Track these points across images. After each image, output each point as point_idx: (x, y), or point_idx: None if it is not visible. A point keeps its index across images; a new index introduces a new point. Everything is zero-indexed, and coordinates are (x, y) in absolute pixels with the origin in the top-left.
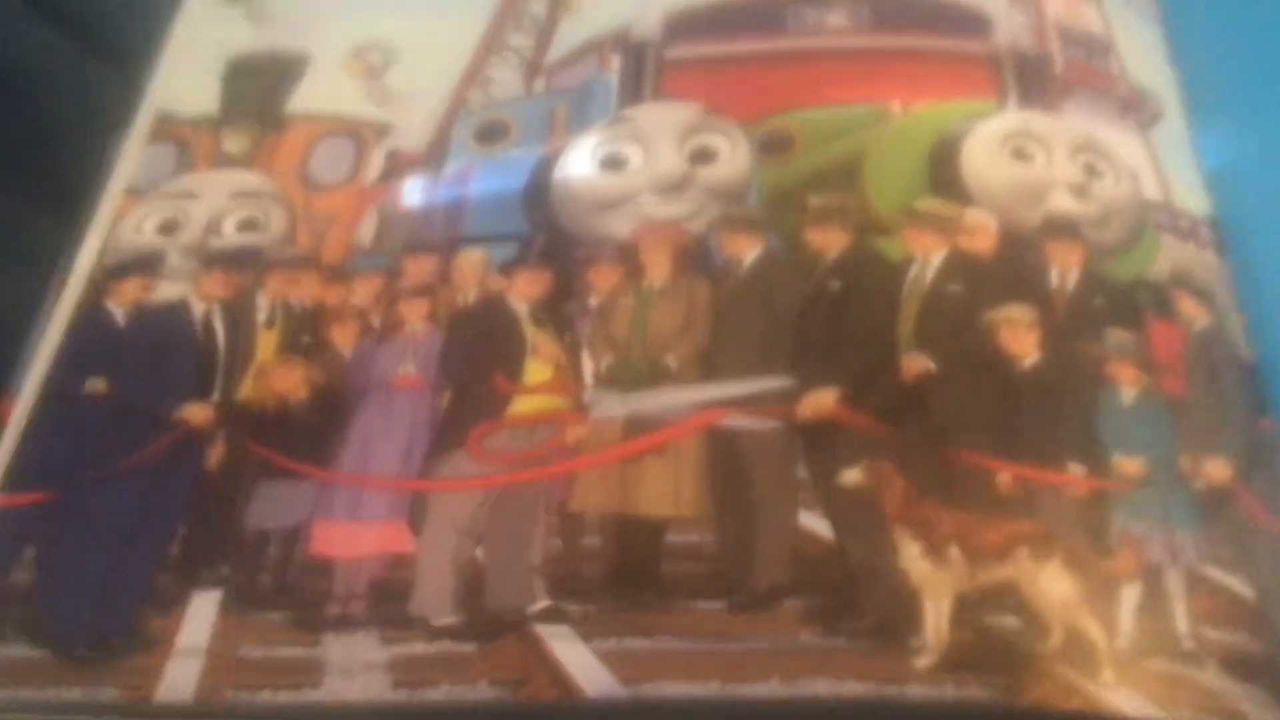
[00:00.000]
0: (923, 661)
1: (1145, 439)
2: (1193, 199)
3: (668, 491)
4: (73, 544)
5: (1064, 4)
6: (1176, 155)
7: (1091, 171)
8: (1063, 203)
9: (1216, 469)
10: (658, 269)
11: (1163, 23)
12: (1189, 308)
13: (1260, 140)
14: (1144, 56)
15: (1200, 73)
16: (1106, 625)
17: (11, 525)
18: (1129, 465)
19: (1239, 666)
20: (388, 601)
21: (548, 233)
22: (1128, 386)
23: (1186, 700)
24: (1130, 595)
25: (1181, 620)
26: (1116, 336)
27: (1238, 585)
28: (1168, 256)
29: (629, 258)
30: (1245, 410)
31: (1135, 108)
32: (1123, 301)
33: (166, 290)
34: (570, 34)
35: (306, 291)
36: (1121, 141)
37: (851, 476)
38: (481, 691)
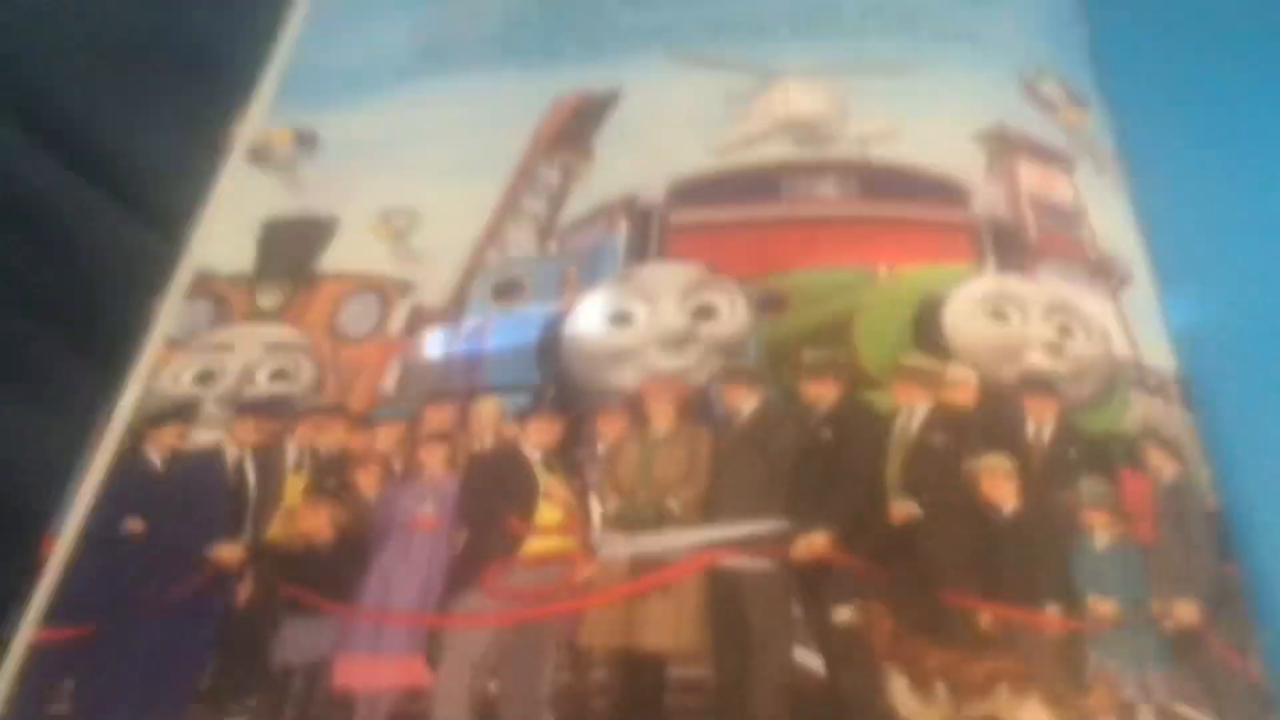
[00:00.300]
0: None
1: (1118, 582)
2: (1160, 357)
3: (669, 627)
4: (109, 676)
5: (1037, 177)
6: (1144, 316)
7: (1064, 331)
8: (1038, 360)
9: (1185, 611)
10: (662, 418)
11: (1131, 194)
12: (1158, 459)
13: (1225, 303)
14: (1113, 225)
15: (1167, 239)
16: None
17: (52, 658)
18: (1103, 607)
19: None
20: None
21: (559, 383)
22: (1101, 532)
23: None
24: None
25: None
26: (1090, 486)
27: None
28: (1137, 411)
29: (635, 408)
30: (1212, 556)
31: (1105, 272)
32: (1096, 453)
33: (202, 437)
34: (581, 200)
35: (333, 438)
36: (1092, 303)
37: (843, 615)
38: None
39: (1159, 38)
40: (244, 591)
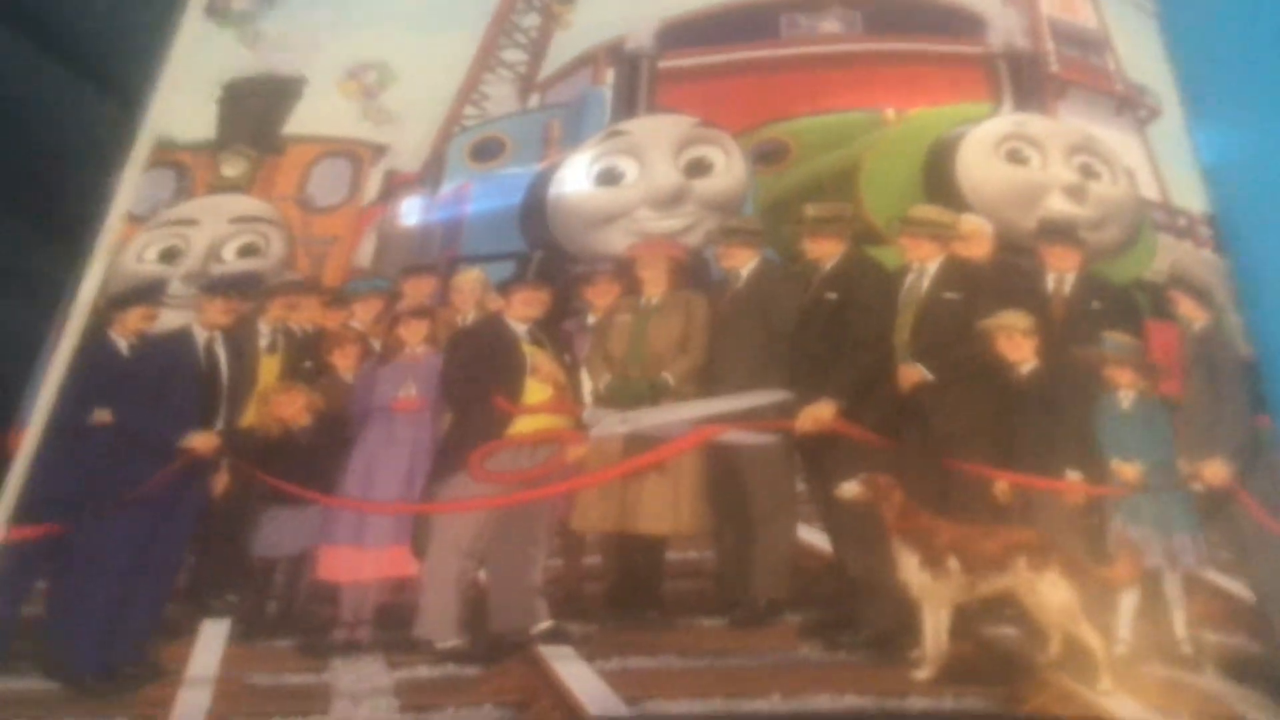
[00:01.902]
0: (922, 673)
1: (1143, 443)
2: (1190, 196)
3: (667, 509)
4: (82, 575)
5: (1058, 0)
6: (1174, 152)
7: (1088, 172)
8: (1059, 206)
9: (1215, 471)
10: (655, 285)
11: (1159, 17)
12: (1187, 308)
13: (1258, 135)
14: (1141, 52)
15: (1197, 67)
16: (1105, 632)
17: (21, 558)
18: (1127, 470)
19: (1238, 669)
20: (393, 626)
21: (544, 250)
22: (1125, 390)
23: (1185, 705)
24: (1128, 601)
25: (1180, 625)
26: (1114, 340)
27: (1236, 588)
28: (1165, 256)
29: (626, 274)
30: (1244, 409)
31: (1132, 105)
32: (1120, 304)
33: (169, 319)
34: (564, 48)
35: (307, 316)
36: (1118, 140)
37: (850, 489)
38: (487, 713)
39: None
40: (220, 482)
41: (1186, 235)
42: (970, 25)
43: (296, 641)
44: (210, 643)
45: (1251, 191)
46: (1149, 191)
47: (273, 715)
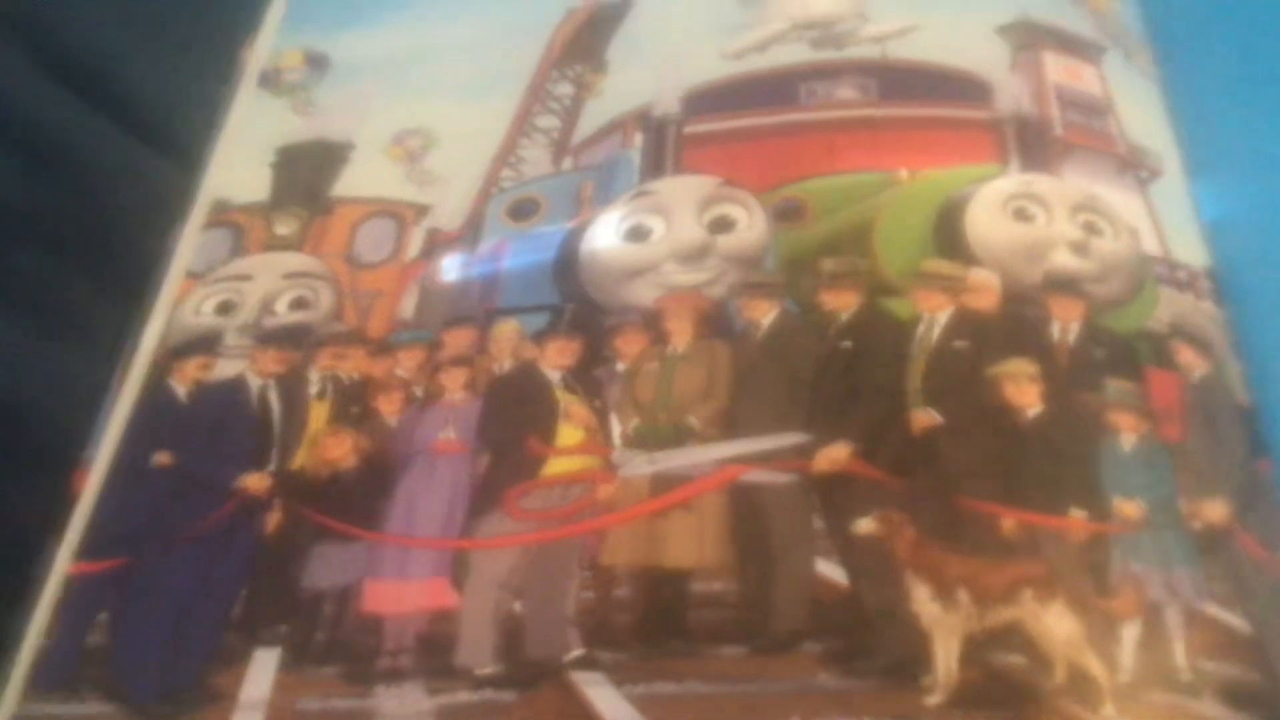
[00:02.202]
0: (933, 699)
1: (1145, 483)
2: (1191, 251)
3: (692, 544)
4: (143, 607)
5: (1063, 68)
6: (1174, 210)
7: (1091, 229)
8: (1063, 260)
9: (1214, 510)
10: (680, 334)
11: (1161, 83)
12: (1187, 357)
13: (1256, 193)
14: (1142, 116)
15: (1198, 130)
16: (1108, 661)
17: (86, 591)
18: (1129, 508)
19: (1236, 698)
20: (433, 654)
21: (577, 302)
22: (1127, 434)
23: None
24: (1130, 632)
25: (1180, 654)
26: (1116, 386)
27: (1235, 620)
28: (1167, 307)
29: (653, 324)
30: (1242, 453)
31: (1134, 166)
32: (1122, 353)
33: (225, 368)
34: (595, 115)
35: (354, 365)
36: (1120, 199)
37: (865, 525)
38: None
39: None
40: (272, 520)
41: (1187, 288)
42: (979, 91)
43: (342, 669)
44: (262, 670)
45: (1250, 247)
46: (1151, 247)
47: None
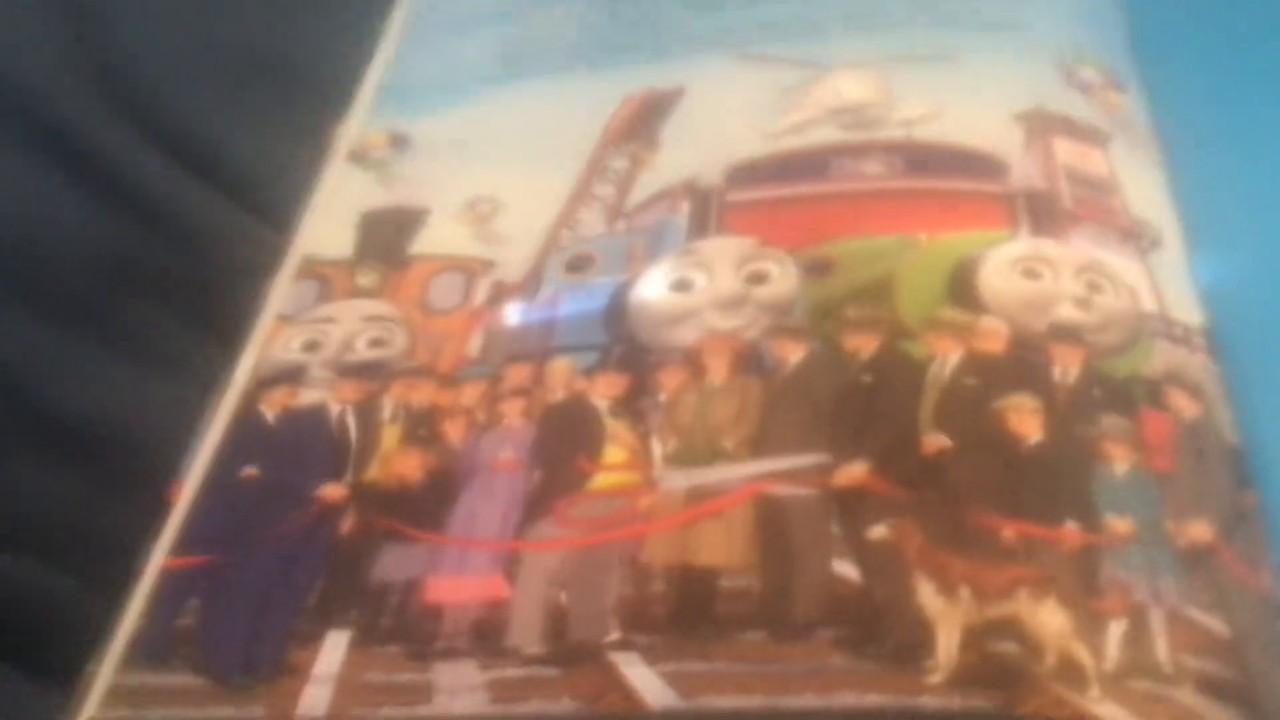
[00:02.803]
0: (935, 678)
1: (1134, 505)
2: (1187, 312)
3: (721, 546)
4: (228, 596)
5: (1073, 151)
6: (1173, 276)
7: (1094, 287)
8: (1067, 313)
9: (1199, 531)
10: (717, 371)
11: (1165, 167)
12: (1179, 400)
13: (1252, 265)
14: (1145, 194)
15: (1199, 208)
16: (1095, 652)
17: (179, 581)
18: (1119, 525)
19: (1213, 690)
20: (487, 638)
21: (625, 343)
22: (1120, 462)
23: (1165, 713)
24: (1116, 629)
25: (1162, 649)
26: (1111, 421)
27: (1215, 624)
28: (1162, 358)
29: (693, 362)
30: (1229, 485)
31: (1135, 236)
32: (1118, 393)
33: (309, 396)
34: (646, 185)
35: (424, 395)
36: (1122, 264)
37: (878, 532)
38: (564, 705)
39: (1197, 23)
40: (346, 525)
41: (1182, 342)
42: (995, 169)
43: (405, 648)
44: (334, 649)
45: (1245, 313)
46: (1149, 305)
47: (383, 705)
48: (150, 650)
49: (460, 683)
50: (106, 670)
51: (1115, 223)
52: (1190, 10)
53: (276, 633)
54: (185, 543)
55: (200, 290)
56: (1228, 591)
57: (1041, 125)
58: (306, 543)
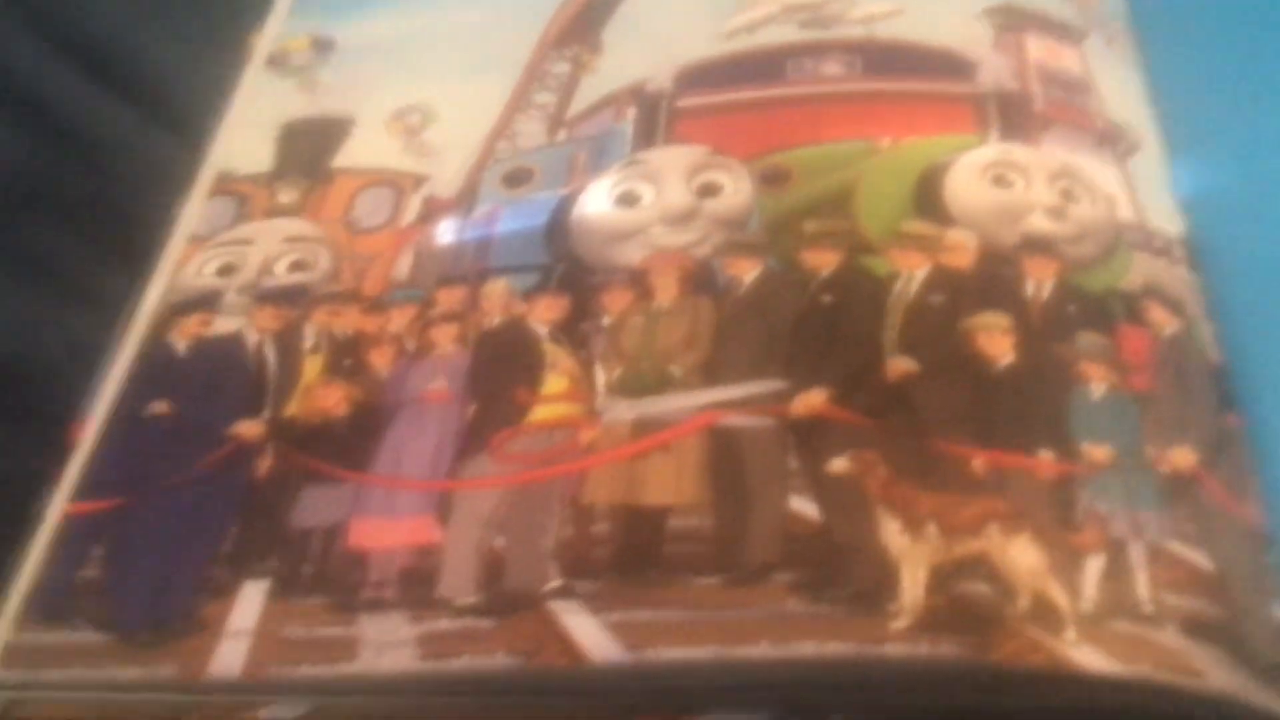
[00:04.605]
0: (899, 623)
1: (1112, 429)
2: (1166, 221)
3: (670, 482)
4: (137, 543)
5: (1045, 49)
6: (1151, 182)
7: (1068, 196)
8: (1039, 223)
9: (1181, 457)
10: (665, 291)
11: (1140, 65)
12: (1159, 315)
13: (1234, 168)
14: (1122, 95)
15: (1177, 109)
16: (1071, 591)
17: (82, 529)
18: (1096, 452)
19: (1197, 629)
20: (417, 587)
21: (567, 263)
22: (1097, 384)
23: (1146, 657)
24: (1094, 566)
25: (1143, 587)
26: (1087, 339)
27: (1199, 559)
28: (1140, 271)
29: (639, 282)
30: (1211, 406)
31: (1112, 140)
32: (1095, 309)
33: (224, 324)
34: (590, 91)
35: (348, 322)
36: (1098, 170)
37: (839, 465)
38: (499, 660)
39: None
40: (264, 464)
41: (1162, 254)
42: (962, 68)
43: (328, 600)
44: (250, 601)
45: (1224, 218)
46: (1126, 215)
47: (303, 663)
48: (50, 605)
49: (388, 637)
50: (3, 629)
51: (1091, 126)
52: None
53: (187, 584)
54: (89, 487)
55: (106, 209)
56: (1212, 523)
57: (1012, 21)
58: (220, 485)
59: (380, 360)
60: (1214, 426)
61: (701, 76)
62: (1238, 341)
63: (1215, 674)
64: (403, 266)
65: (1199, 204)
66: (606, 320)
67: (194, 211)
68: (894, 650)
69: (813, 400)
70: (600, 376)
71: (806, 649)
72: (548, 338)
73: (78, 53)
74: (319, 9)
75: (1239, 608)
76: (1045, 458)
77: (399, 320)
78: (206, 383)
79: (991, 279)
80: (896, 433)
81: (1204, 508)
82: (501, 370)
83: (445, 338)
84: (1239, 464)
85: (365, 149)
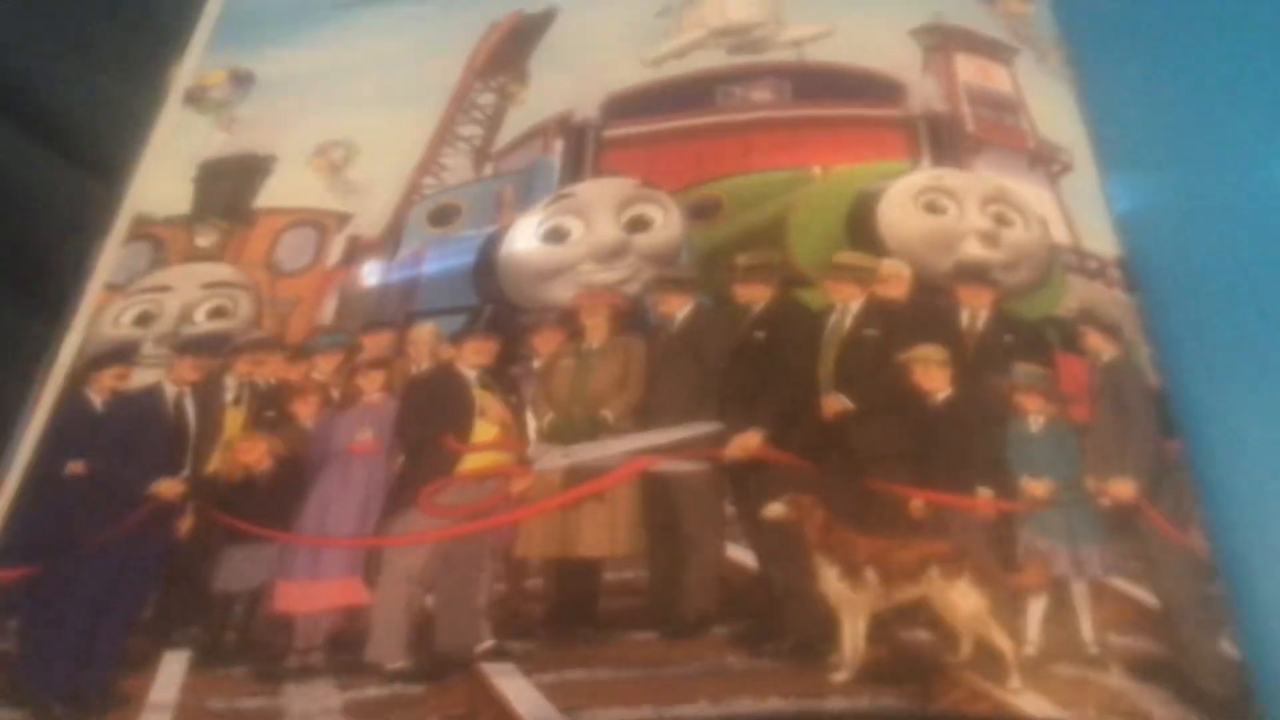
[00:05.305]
0: (840, 676)
1: (1052, 462)
2: (1101, 242)
3: (604, 533)
4: (53, 613)
5: (975, 68)
6: (1086, 202)
7: (1001, 220)
8: (973, 250)
9: (1121, 488)
10: (596, 331)
11: (1073, 81)
12: (1096, 342)
13: (1167, 184)
14: (1054, 114)
15: (1111, 126)
16: (1014, 635)
17: None
18: (1036, 487)
19: (1143, 669)
20: (345, 651)
21: (495, 303)
22: (1035, 415)
23: (1091, 701)
24: (1037, 607)
25: (1087, 628)
26: (1025, 370)
27: (1143, 594)
28: (1076, 295)
29: (569, 322)
30: (1151, 433)
31: (1045, 161)
32: (1031, 338)
33: (141, 377)
34: (517, 122)
35: (271, 370)
36: (1031, 192)
37: (775, 510)
38: None
39: None
40: (184, 525)
41: (1097, 276)
42: (892, 91)
43: (252, 668)
44: (171, 672)
45: (1160, 236)
46: (1060, 237)
47: None
48: None
49: (315, 706)
50: None
51: (1023, 146)
52: None
53: (107, 655)
54: (3, 552)
55: (20, 254)
56: (1155, 555)
57: (941, 41)
58: (140, 548)
59: (305, 411)
60: (1154, 455)
61: (629, 105)
62: (1177, 363)
63: (1162, 715)
64: (327, 310)
65: (1135, 222)
66: (536, 363)
67: (111, 258)
68: (835, 705)
69: (748, 443)
70: (531, 423)
71: (745, 705)
72: (477, 383)
73: None
74: (237, 41)
75: (1185, 644)
76: (984, 495)
77: (324, 367)
78: (124, 440)
79: (927, 309)
80: (833, 473)
81: (1146, 540)
82: (430, 418)
83: (371, 385)
84: (1180, 492)
85: (287, 187)
